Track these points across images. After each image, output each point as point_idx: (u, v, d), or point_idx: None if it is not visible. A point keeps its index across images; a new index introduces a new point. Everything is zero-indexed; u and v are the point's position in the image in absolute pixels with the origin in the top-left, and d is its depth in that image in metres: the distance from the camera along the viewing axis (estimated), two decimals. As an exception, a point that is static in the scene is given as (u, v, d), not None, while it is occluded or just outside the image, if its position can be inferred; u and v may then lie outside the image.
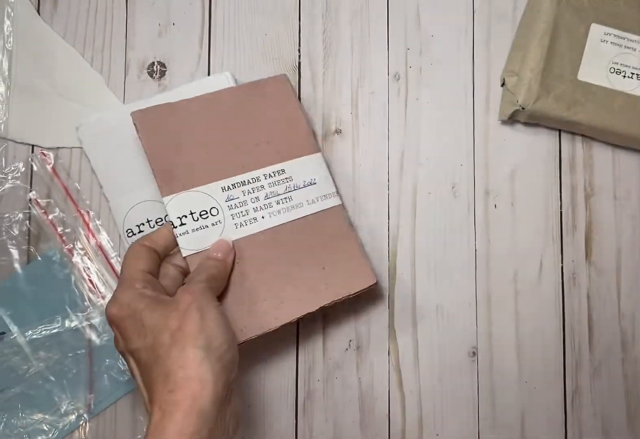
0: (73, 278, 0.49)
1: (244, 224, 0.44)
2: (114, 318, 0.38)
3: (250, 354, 0.49)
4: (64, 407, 0.48)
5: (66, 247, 0.49)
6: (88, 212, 0.50)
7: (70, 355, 0.48)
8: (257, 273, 0.43)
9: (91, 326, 0.48)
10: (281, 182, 0.45)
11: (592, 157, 0.51)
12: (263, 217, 0.44)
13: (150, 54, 0.51)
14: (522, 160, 0.51)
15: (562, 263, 0.50)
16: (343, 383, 0.49)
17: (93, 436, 0.48)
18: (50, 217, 0.49)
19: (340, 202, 0.46)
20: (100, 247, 0.49)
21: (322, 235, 0.45)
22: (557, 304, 0.50)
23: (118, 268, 0.49)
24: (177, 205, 0.43)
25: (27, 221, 0.49)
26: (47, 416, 0.47)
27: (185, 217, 0.42)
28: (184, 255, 0.42)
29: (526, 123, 0.51)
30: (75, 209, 0.49)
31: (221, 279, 0.41)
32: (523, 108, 0.48)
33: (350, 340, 0.49)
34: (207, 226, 0.43)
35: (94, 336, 0.48)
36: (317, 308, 0.43)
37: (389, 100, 0.51)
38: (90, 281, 0.49)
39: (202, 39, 0.51)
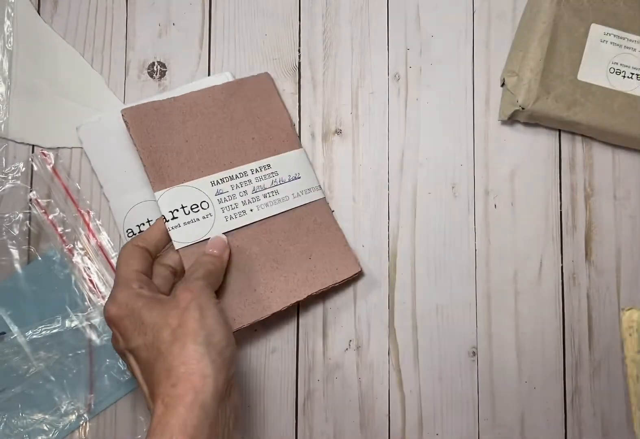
0: (73, 278, 0.49)
1: (234, 217, 0.45)
2: (113, 318, 0.38)
3: (251, 354, 0.49)
4: (64, 407, 0.48)
5: (66, 247, 0.49)
6: (88, 212, 0.50)
7: (70, 354, 0.48)
8: (246, 263, 0.45)
9: (91, 326, 0.49)
10: (267, 176, 0.47)
11: (592, 157, 0.51)
12: (252, 210, 0.46)
13: (150, 54, 0.51)
14: (522, 160, 0.51)
15: (562, 263, 0.50)
16: (343, 383, 0.49)
17: (93, 436, 0.48)
18: (50, 216, 0.49)
19: (323, 196, 0.48)
20: (100, 247, 0.49)
21: (307, 227, 0.47)
22: (557, 304, 0.50)
23: (118, 268, 0.49)
24: (169, 199, 0.44)
25: (28, 221, 0.49)
26: (47, 416, 0.47)
27: (177, 210, 0.44)
28: (176, 248, 0.43)
29: (526, 124, 0.51)
30: (75, 209, 0.49)
31: (218, 275, 0.43)
32: (523, 109, 0.48)
33: (350, 340, 0.49)
34: (198, 220, 0.44)
35: (94, 336, 0.49)
36: (305, 296, 0.46)
37: (389, 100, 0.51)
38: (91, 281, 0.49)
39: (202, 39, 0.51)
